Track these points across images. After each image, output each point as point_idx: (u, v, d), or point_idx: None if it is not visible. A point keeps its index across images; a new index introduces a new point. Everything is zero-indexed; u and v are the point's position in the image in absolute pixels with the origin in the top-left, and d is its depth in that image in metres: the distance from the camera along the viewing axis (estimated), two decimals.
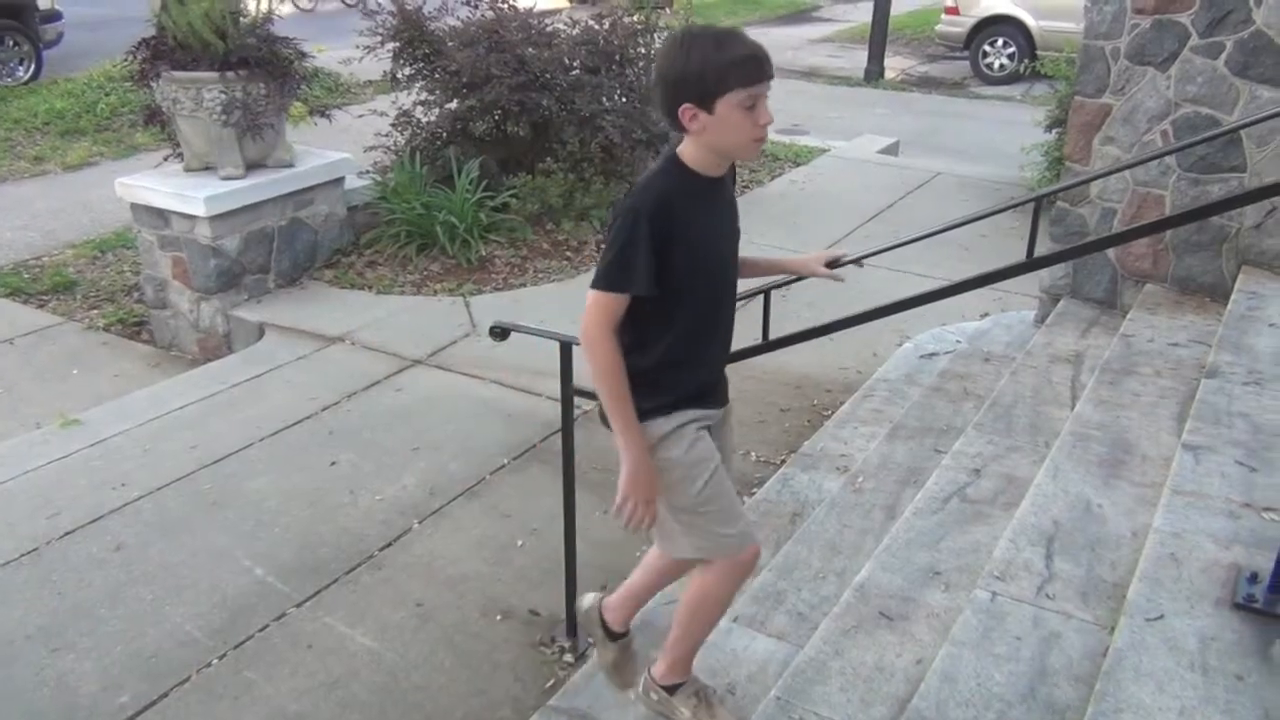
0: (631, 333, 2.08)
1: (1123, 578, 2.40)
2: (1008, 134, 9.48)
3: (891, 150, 9.56)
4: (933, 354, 4.74)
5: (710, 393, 2.28)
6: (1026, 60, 12.15)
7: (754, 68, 1.99)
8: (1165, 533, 2.37)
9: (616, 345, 2.07)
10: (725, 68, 1.96)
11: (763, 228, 6.91)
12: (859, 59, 13.90)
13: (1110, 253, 4.15)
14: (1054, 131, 7.03)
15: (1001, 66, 13.54)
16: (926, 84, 13.71)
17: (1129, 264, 4.13)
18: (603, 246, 2.09)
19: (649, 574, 2.56)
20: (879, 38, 13.27)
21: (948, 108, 12.25)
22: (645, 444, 2.15)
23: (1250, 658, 1.99)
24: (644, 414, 2.13)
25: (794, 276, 2.76)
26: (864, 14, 14.84)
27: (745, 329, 2.61)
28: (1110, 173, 3.92)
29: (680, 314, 2.11)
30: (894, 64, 14.38)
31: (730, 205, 2.24)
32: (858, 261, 2.72)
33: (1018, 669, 2.18)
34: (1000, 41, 13.57)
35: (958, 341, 4.79)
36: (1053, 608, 2.34)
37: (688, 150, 2.09)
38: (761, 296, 3.06)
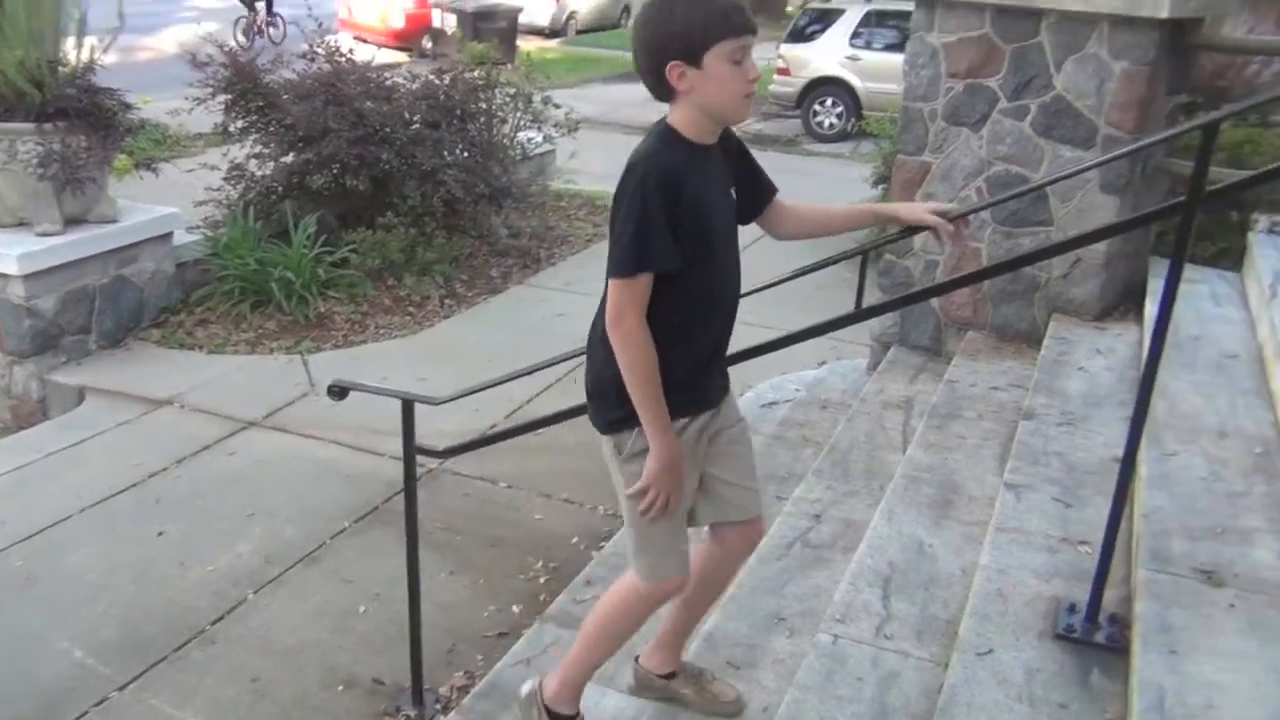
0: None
1: (954, 615, 2.49)
2: (838, 189, 9.87)
3: None
4: (773, 403, 4.86)
5: (708, 383, 2.17)
6: (854, 119, 12.73)
7: (739, 18, 1.94)
8: (991, 569, 2.48)
9: (648, 332, 1.97)
10: (710, 19, 1.92)
11: (602, 278, 6.98)
12: None
13: (934, 302, 4.36)
14: (880, 187, 7.38)
15: (831, 125, 14.15)
16: (762, 141, 14.19)
17: (952, 313, 4.35)
18: (611, 229, 1.98)
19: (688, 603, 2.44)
20: None
21: (782, 164, 12.70)
22: (677, 441, 2.05)
23: (1072, 686, 2.10)
24: (622, 421, 2.06)
25: (896, 229, 2.50)
26: None
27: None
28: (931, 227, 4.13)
29: (684, 292, 2.00)
30: None
31: (725, 176, 2.13)
32: (965, 217, 2.47)
33: (860, 710, 2.23)
34: (829, 101, 14.19)
35: (797, 390, 4.93)
36: (891, 647, 2.41)
37: (678, 116, 2.01)
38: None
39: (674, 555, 2.18)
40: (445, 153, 6.91)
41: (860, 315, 2.70)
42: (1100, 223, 3.75)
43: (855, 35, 14.06)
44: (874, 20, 14.12)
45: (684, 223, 1.94)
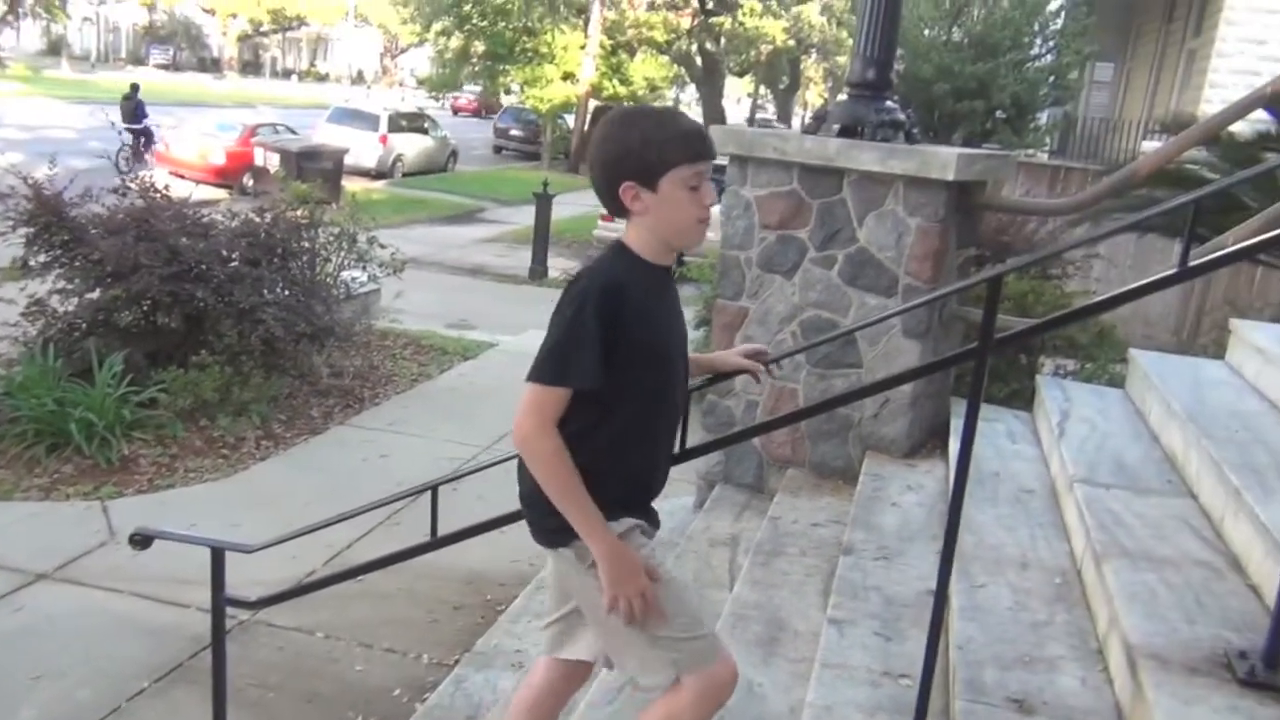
0: (571, 424, 1.93)
1: None
2: None
3: None
4: None
5: (647, 506, 2.14)
6: (677, 265, 13.19)
7: (698, 143, 1.94)
8: (818, 706, 2.51)
9: (558, 439, 1.91)
10: (668, 143, 1.90)
11: (434, 422, 6.89)
12: (524, 258, 14.51)
13: (756, 441, 4.49)
14: (702, 330, 7.63)
15: None
16: None
17: (773, 451, 4.49)
18: (544, 334, 1.95)
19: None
20: (541, 239, 13.98)
21: None
22: (613, 535, 1.96)
23: None
24: (566, 530, 1.97)
25: (711, 375, 2.59)
26: (527, 217, 15.61)
27: (415, 527, 2.56)
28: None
29: (623, 409, 1.97)
30: (557, 264, 15.12)
31: (676, 300, 2.12)
32: (777, 362, 2.62)
33: None
34: None
35: None
36: None
37: (632, 236, 2.00)
38: (429, 493, 3.02)
39: (705, 637, 2.06)
40: (265, 291, 6.76)
41: (685, 455, 2.75)
42: (905, 365, 3.99)
43: None
44: None
45: (630, 339, 1.90)
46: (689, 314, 8.10)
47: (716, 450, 4.43)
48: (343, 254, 7.93)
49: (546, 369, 1.91)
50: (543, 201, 13.87)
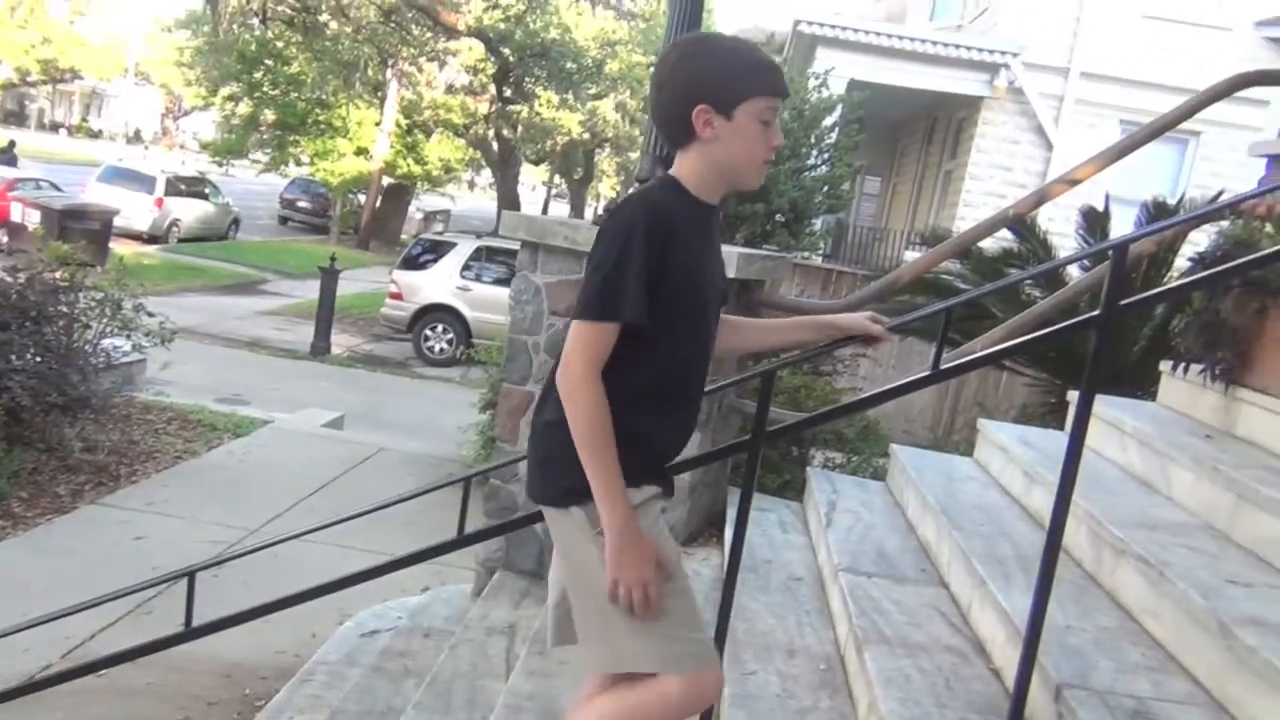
0: (605, 370, 1.77)
1: None
2: (448, 413, 10.03)
3: (337, 424, 9.63)
4: (374, 632, 4.66)
5: (668, 472, 1.97)
6: (464, 346, 13.12)
7: (778, 78, 1.84)
8: None
9: (601, 387, 1.75)
10: (753, 71, 1.81)
11: (197, 502, 6.49)
12: (306, 334, 14.05)
13: (538, 527, 4.46)
14: (488, 413, 7.57)
15: (441, 350, 14.48)
16: (372, 361, 14.18)
17: None
18: (586, 267, 1.79)
19: None
20: (326, 315, 13.60)
21: (392, 385, 12.72)
22: (630, 510, 1.78)
23: None
24: (589, 487, 1.78)
25: (835, 339, 2.25)
26: (311, 291, 15.17)
27: (171, 616, 2.39)
28: None
29: (663, 353, 1.83)
30: (341, 341, 14.74)
31: (718, 242, 1.98)
32: (900, 330, 2.38)
33: None
34: (440, 327, 14.58)
35: (399, 618, 4.77)
36: None
37: (686, 168, 1.86)
38: (186, 579, 2.84)
39: (703, 641, 1.91)
40: (14, 356, 6.24)
41: (464, 541, 2.71)
42: (685, 455, 4.08)
43: (466, 267, 14.72)
44: (484, 255, 14.89)
45: (672, 277, 1.78)
46: (476, 396, 8.05)
47: (498, 536, 4.39)
48: (105, 320, 7.43)
49: (595, 304, 1.75)
50: (329, 276, 13.53)
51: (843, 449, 6.01)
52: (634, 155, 23.11)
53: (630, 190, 1.90)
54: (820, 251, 14.48)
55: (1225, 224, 3.57)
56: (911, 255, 11.42)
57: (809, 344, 2.30)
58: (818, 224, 15.08)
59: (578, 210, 34.38)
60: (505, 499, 4.49)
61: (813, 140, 12.12)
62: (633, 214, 1.80)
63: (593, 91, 22.95)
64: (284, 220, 32.14)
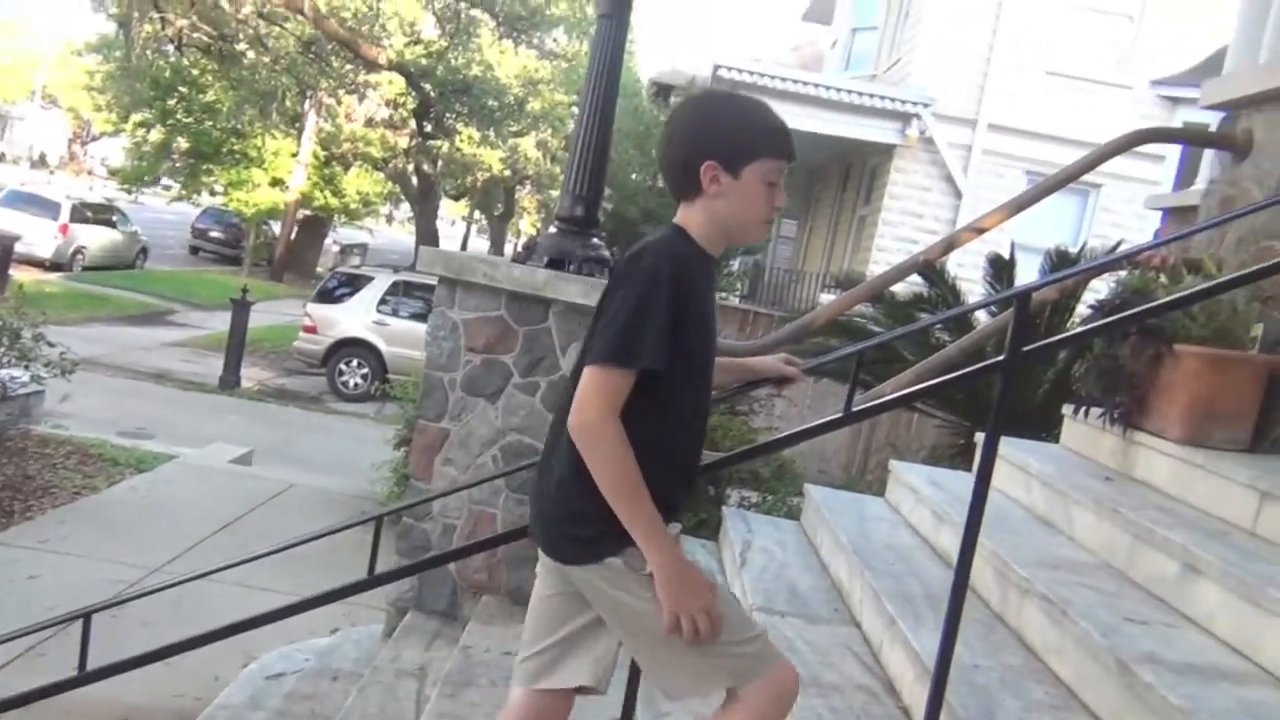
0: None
1: None
2: (361, 449, 9.85)
3: (245, 460, 9.39)
4: (280, 674, 4.52)
5: (682, 507, 1.99)
6: (378, 382, 12.94)
7: (787, 142, 1.88)
8: None
9: (621, 429, 1.73)
10: (762, 132, 1.85)
11: (96, 540, 6.26)
12: (215, 366, 13.72)
13: (451, 567, 4.40)
14: (402, 450, 7.47)
15: (356, 385, 14.26)
16: (284, 396, 13.89)
17: (468, 577, 4.42)
18: (600, 314, 1.81)
19: None
20: (236, 347, 13.30)
21: (304, 421, 12.46)
22: (674, 543, 1.80)
23: None
24: (621, 534, 1.76)
25: (749, 381, 2.39)
26: (222, 323, 14.84)
27: (66, 659, 2.29)
28: (449, 493, 4.25)
29: (674, 403, 1.84)
30: (251, 374, 14.41)
31: (715, 293, 2.02)
32: (814, 372, 2.45)
33: None
34: (355, 362, 14.37)
35: (306, 660, 4.64)
36: None
37: (693, 220, 1.89)
38: (82, 620, 2.73)
39: (759, 638, 1.91)
40: None
41: (374, 581, 2.66)
42: None
43: (383, 301, 14.57)
44: (401, 289, 14.75)
45: (690, 327, 1.81)
46: (389, 433, 7.93)
47: (410, 575, 4.32)
48: (1, 350, 7.16)
49: (616, 350, 1.76)
50: (240, 308, 13.26)
51: (758, 488, 6.06)
52: (554, 193, 23.20)
53: (645, 239, 1.93)
54: (738, 292, 14.67)
55: (1123, 273, 3.72)
56: (827, 297, 11.64)
57: (725, 385, 2.36)
58: (736, 265, 15.34)
59: (498, 247, 34.31)
60: (418, 538, 4.43)
61: None
62: (656, 263, 1.81)
63: (514, 129, 23.00)
64: (195, 250, 31.42)
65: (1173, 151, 12.74)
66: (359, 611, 5.32)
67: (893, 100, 13.98)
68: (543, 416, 4.27)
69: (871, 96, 14.18)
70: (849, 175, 16.81)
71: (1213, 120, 5.08)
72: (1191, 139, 6.56)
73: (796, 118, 14.04)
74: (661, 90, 16.48)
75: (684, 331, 1.80)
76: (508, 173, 24.19)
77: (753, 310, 13.93)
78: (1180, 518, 3.04)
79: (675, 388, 1.84)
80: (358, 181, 29.48)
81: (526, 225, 38.37)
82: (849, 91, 14.26)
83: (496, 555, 4.37)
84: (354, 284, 15.21)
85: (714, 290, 2.03)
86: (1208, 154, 4.92)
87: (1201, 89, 4.61)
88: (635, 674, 2.35)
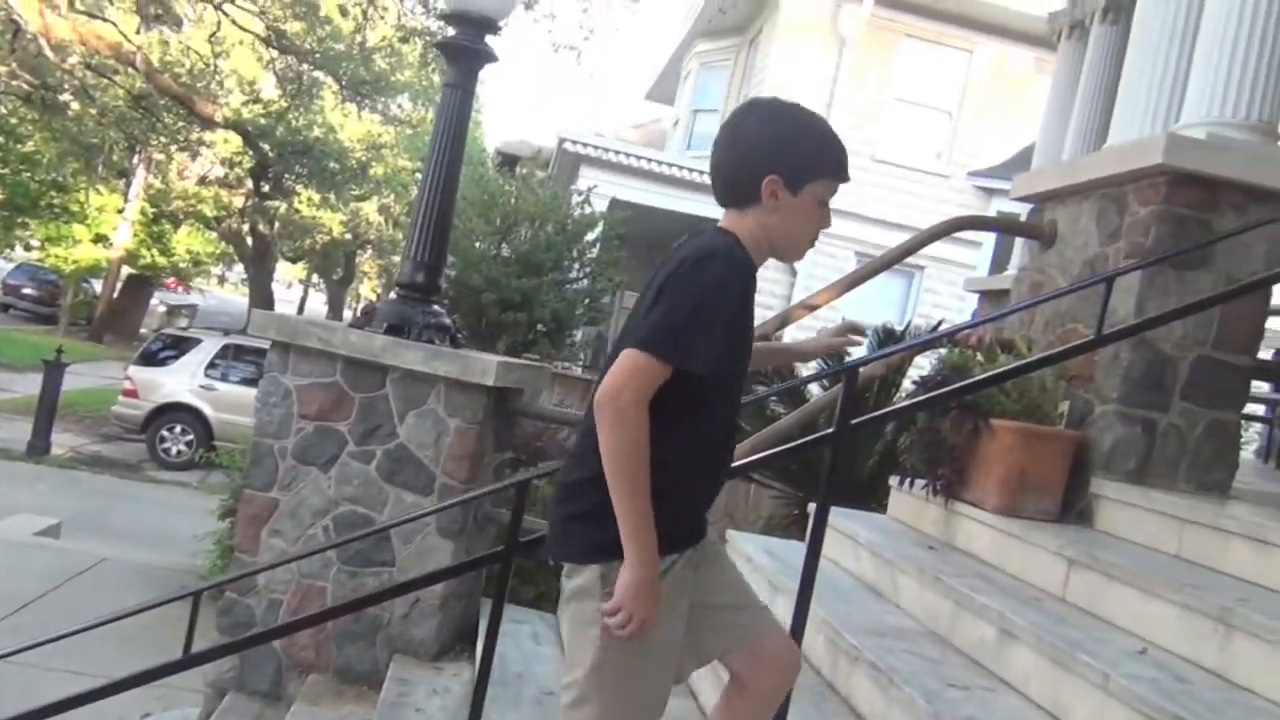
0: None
1: None
2: (183, 520, 9.34)
3: (52, 532, 8.77)
4: None
5: (701, 524, 1.93)
6: (204, 449, 12.37)
7: (846, 162, 1.86)
8: None
9: (646, 421, 1.69)
10: (828, 153, 1.83)
11: None
12: (22, 431, 12.83)
13: (277, 644, 4.20)
14: (227, 520, 7.13)
15: (180, 452, 13.58)
16: (99, 464, 13.08)
17: (295, 655, 4.22)
18: (652, 304, 1.76)
19: None
20: (47, 411, 12.49)
21: (121, 489, 11.76)
22: (655, 548, 1.74)
23: None
24: (611, 547, 1.74)
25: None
26: (33, 385, 13.92)
27: None
28: (276, 565, 4.06)
29: (712, 416, 1.81)
30: (64, 440, 13.54)
31: None
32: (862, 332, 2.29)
33: None
34: (179, 428, 13.69)
35: None
36: None
37: (745, 229, 1.85)
38: None
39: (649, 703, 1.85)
40: None
41: (192, 660, 2.52)
42: (438, 565, 3.98)
43: (211, 365, 13.99)
44: (231, 353, 14.21)
45: (742, 337, 1.79)
46: (215, 503, 7.56)
47: (231, 654, 4.10)
48: None
49: (666, 343, 1.71)
50: (54, 369, 12.49)
51: None
52: (396, 258, 22.90)
53: (706, 237, 1.90)
54: (580, 362, 14.75)
55: (944, 351, 3.93)
56: None
57: (767, 368, 2.48)
58: (579, 335, 15.41)
59: (336, 311, 33.53)
60: (241, 613, 4.21)
61: (575, 254, 12.44)
62: (726, 268, 1.78)
63: (357, 193, 22.67)
64: (5, 308, 29.51)
65: (989, 238, 13.62)
66: (175, 694, 5.00)
67: None
68: (378, 486, 4.17)
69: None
70: None
71: (1023, 210, 5.46)
72: (1003, 228, 7.04)
73: (639, 192, 14.39)
74: (507, 160, 16.60)
75: (737, 342, 1.82)
76: (348, 236, 23.78)
77: (596, 380, 14.00)
78: (998, 585, 3.19)
79: (720, 396, 1.85)
80: (189, 240, 28.39)
81: (367, 290, 37.68)
82: (689, 169, 14.70)
83: (325, 631, 4.19)
84: (180, 347, 14.57)
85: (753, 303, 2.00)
86: (1019, 241, 5.27)
87: (1012, 182, 4.94)
88: None
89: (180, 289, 34.24)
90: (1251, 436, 7.49)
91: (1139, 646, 2.64)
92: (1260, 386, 6.22)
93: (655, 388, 1.75)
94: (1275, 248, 3.62)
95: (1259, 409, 6.74)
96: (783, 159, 1.84)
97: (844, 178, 1.92)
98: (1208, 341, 3.59)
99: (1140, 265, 3.47)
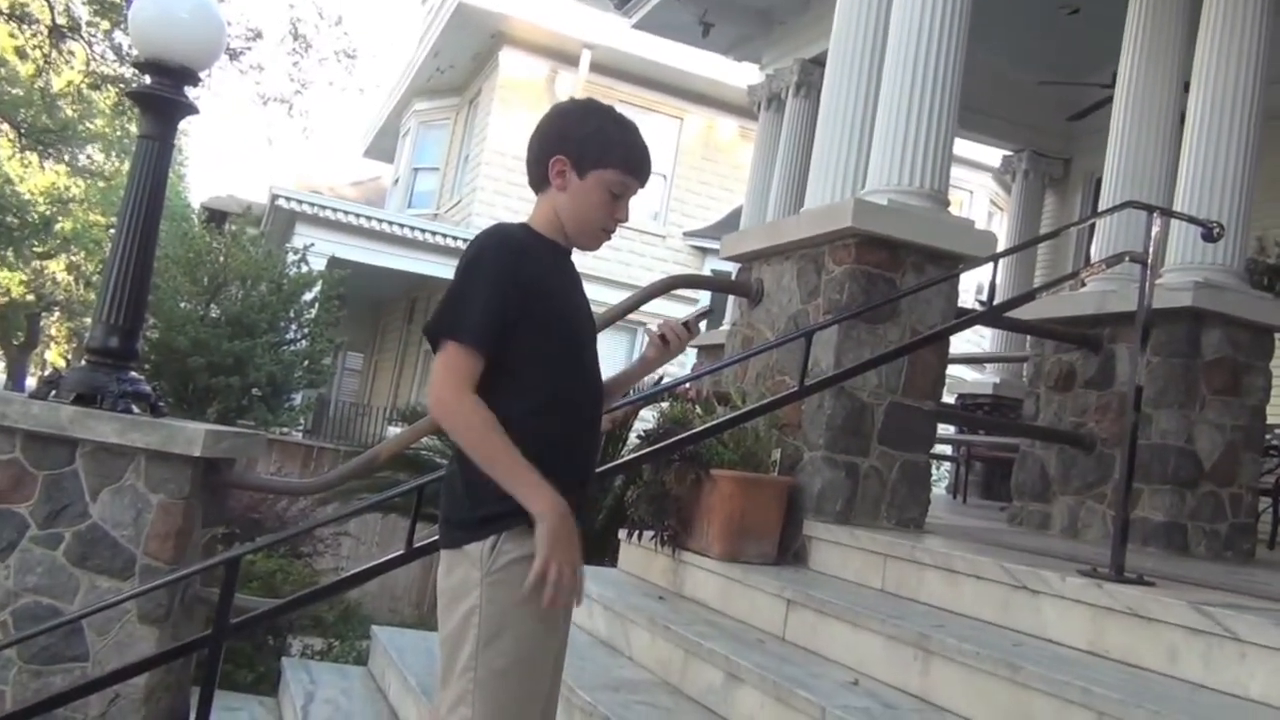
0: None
1: None
2: None
3: None
4: None
5: (569, 494, 1.83)
6: None
7: (638, 161, 1.94)
8: None
9: (477, 399, 1.76)
10: (616, 145, 1.92)
11: None
12: None
13: None
14: None
15: None
16: None
17: None
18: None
19: None
20: None
21: None
22: (555, 494, 1.76)
23: None
24: (484, 522, 1.77)
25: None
26: None
27: None
28: None
29: (537, 390, 1.84)
30: None
31: (578, 279, 2.03)
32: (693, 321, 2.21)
33: None
34: None
35: None
36: None
37: (539, 212, 1.98)
38: None
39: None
40: None
41: None
42: (142, 655, 3.64)
43: None
44: None
45: (536, 306, 1.84)
46: None
47: None
48: None
49: (439, 323, 1.82)
50: None
51: (324, 634, 5.74)
52: (88, 320, 21.13)
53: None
54: (300, 427, 14.10)
55: (665, 405, 4.05)
56: (394, 430, 11.53)
57: (627, 390, 2.38)
58: (298, 399, 14.75)
59: (17, 380, 30.34)
60: None
61: (292, 314, 11.94)
62: (482, 243, 1.89)
63: (40, 249, 20.75)
64: None
65: (705, 295, 14.29)
66: None
67: (453, 238, 14.39)
68: (67, 572, 3.77)
69: (433, 234, 14.53)
70: (414, 309, 16.96)
71: (734, 269, 5.77)
72: (715, 286, 7.40)
73: (360, 251, 14.05)
74: (215, 216, 15.77)
75: (534, 309, 1.85)
76: (31, 297, 21.66)
77: (317, 445, 13.42)
78: (724, 629, 3.30)
79: (541, 369, 1.87)
80: None
81: (54, 356, 34.39)
82: (411, 228, 14.52)
83: None
84: None
85: (576, 279, 2.04)
86: (731, 298, 5.55)
87: (721, 242, 5.21)
88: None
89: None
90: (943, 475, 8.23)
91: (851, 678, 2.80)
92: (946, 429, 6.84)
93: (468, 371, 1.80)
94: (950, 304, 4.02)
95: (947, 449, 7.41)
96: (568, 141, 1.96)
97: (636, 173, 1.99)
98: (899, 389, 3.92)
99: (836, 320, 3.74)
